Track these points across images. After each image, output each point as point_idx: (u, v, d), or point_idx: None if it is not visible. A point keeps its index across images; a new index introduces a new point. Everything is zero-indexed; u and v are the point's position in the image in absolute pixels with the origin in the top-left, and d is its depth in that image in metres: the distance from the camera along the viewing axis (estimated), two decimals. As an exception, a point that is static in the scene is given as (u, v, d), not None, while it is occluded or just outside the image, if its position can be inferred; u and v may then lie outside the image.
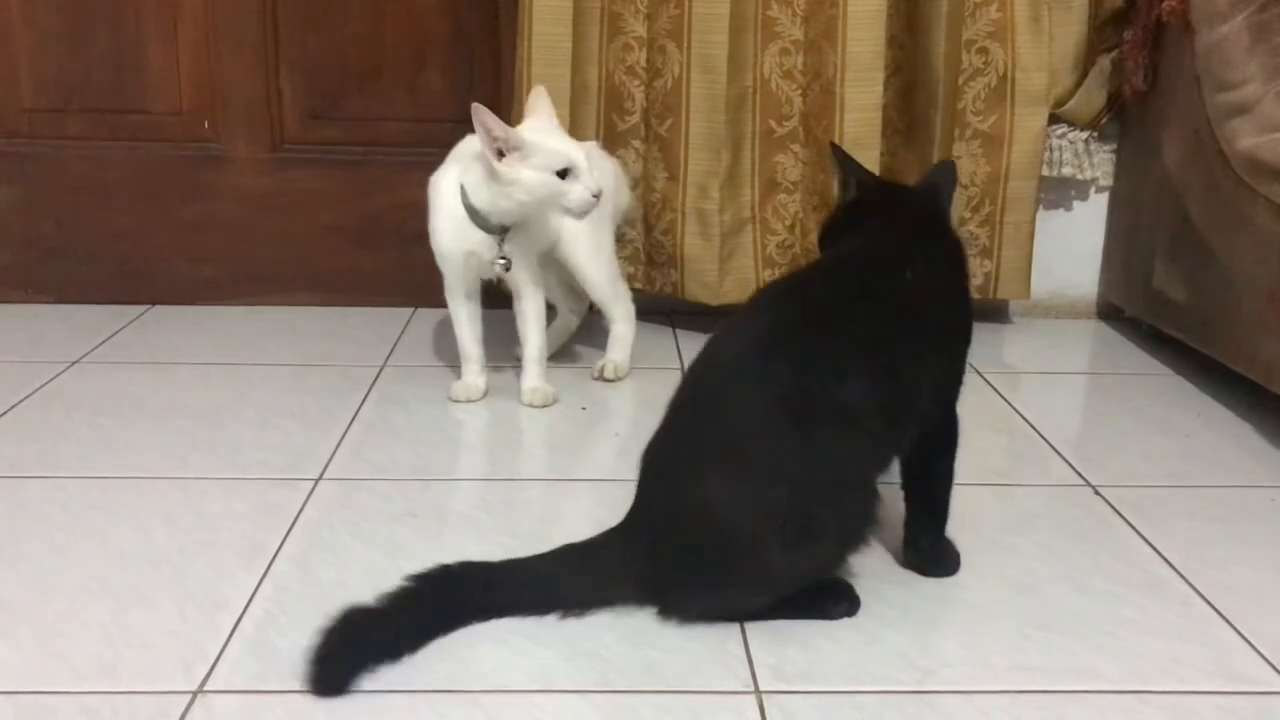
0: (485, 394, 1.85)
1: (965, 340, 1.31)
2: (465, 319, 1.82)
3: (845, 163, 1.37)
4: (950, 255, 1.32)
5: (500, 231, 1.72)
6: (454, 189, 1.72)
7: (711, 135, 2.07)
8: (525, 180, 1.63)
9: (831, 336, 1.17)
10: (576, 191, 1.63)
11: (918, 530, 1.31)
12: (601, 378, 1.94)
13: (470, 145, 1.75)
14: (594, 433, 1.77)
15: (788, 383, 1.14)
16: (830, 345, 1.17)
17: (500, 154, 1.63)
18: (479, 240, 1.73)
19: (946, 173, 1.41)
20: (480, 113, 1.59)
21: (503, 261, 1.73)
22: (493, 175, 1.64)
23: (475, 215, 1.71)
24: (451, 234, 1.74)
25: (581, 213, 1.67)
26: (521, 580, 1.21)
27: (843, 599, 1.23)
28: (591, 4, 2.07)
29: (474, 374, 1.85)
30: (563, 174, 1.63)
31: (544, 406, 1.81)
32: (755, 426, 1.14)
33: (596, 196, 1.64)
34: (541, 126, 1.67)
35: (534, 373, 1.83)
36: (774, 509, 1.13)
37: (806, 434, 1.13)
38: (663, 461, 1.22)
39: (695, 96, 2.06)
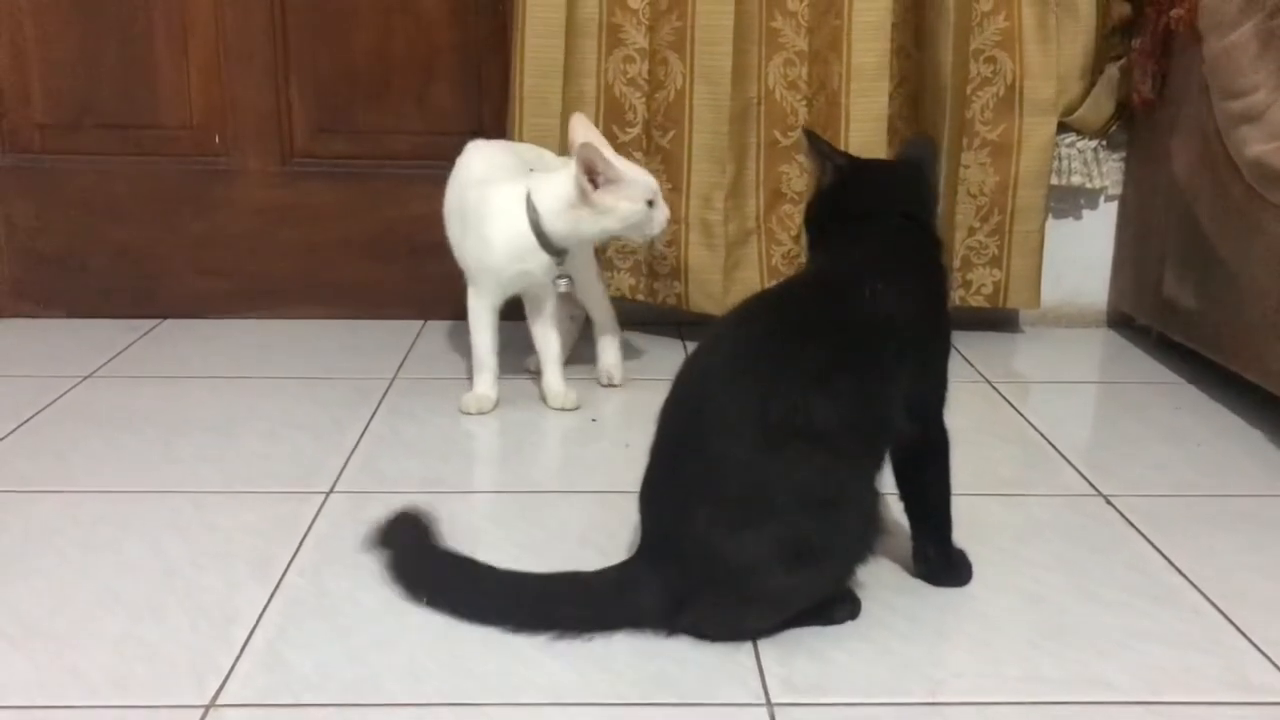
0: (496, 405, 1.85)
1: (941, 350, 1.29)
2: (488, 328, 1.83)
3: (818, 145, 1.35)
4: (920, 264, 1.30)
5: (560, 253, 1.78)
6: (516, 208, 1.75)
7: (715, 146, 2.08)
8: (621, 210, 1.72)
9: (790, 362, 1.17)
10: (659, 218, 1.76)
11: (923, 540, 1.31)
12: (611, 383, 1.97)
13: (488, 162, 1.81)
14: (604, 444, 1.77)
15: (752, 413, 1.14)
16: (789, 370, 1.16)
17: (595, 184, 1.71)
18: (539, 261, 1.77)
19: (925, 148, 1.38)
20: (588, 150, 1.68)
21: (564, 279, 1.81)
22: (583, 203, 1.72)
23: (543, 238, 1.75)
24: (509, 253, 1.77)
25: (660, 235, 1.80)
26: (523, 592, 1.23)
27: (845, 601, 1.24)
28: (588, 16, 2.07)
29: (487, 385, 1.85)
30: (650, 202, 1.74)
31: (574, 409, 1.85)
32: (730, 461, 1.14)
33: (669, 222, 1.79)
34: (614, 156, 1.74)
35: (560, 374, 1.87)
36: (769, 538, 1.13)
37: (780, 461, 1.13)
38: (656, 504, 1.22)
39: (698, 108, 2.06)
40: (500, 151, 1.89)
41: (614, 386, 1.97)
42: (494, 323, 1.84)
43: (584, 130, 1.78)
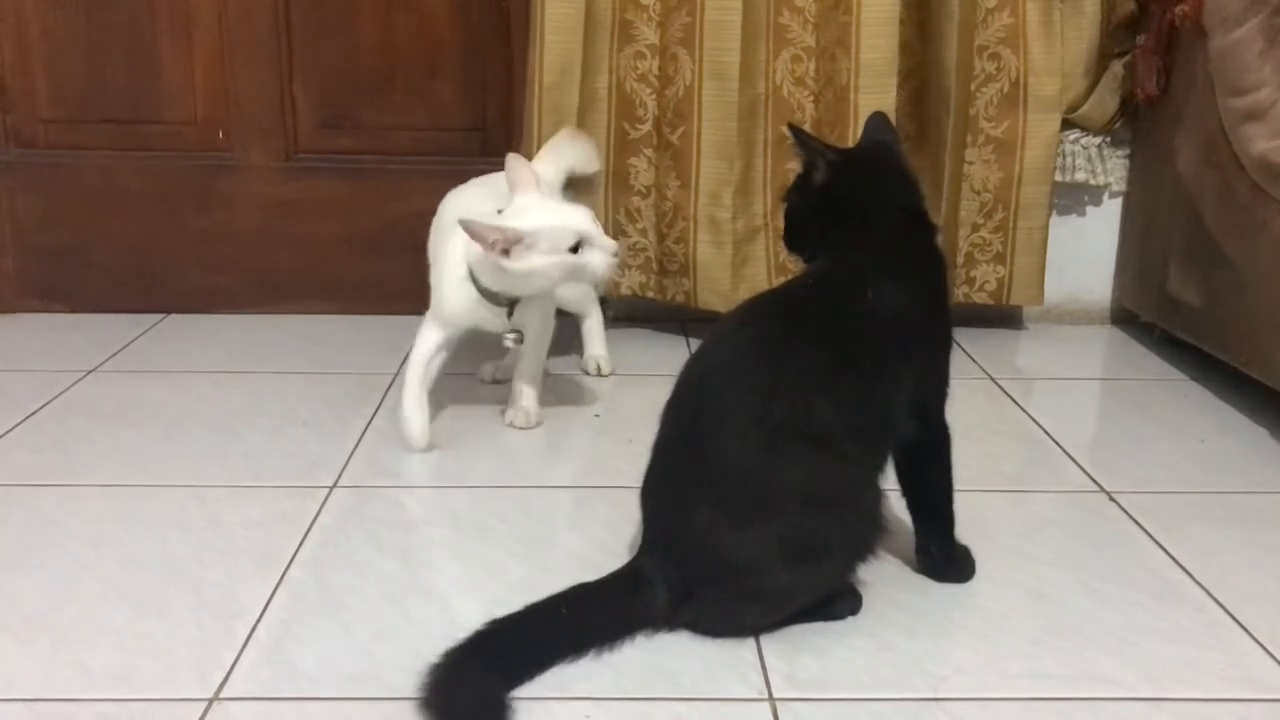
0: (429, 445, 1.69)
1: (943, 347, 1.29)
2: (422, 364, 1.69)
3: (807, 141, 1.33)
4: (921, 260, 1.30)
5: (510, 304, 1.65)
6: (461, 261, 1.63)
7: (724, 143, 2.08)
8: (541, 268, 1.55)
9: (793, 362, 1.17)
10: (597, 259, 1.55)
11: (925, 537, 1.32)
12: (599, 373, 1.97)
13: (464, 201, 1.72)
14: (608, 439, 1.77)
15: (754, 413, 1.14)
16: (791, 371, 1.16)
17: (506, 251, 1.54)
18: (487, 315, 1.66)
19: (886, 129, 1.38)
20: (470, 225, 1.51)
21: (514, 335, 1.68)
22: (503, 269, 1.56)
23: (487, 294, 1.63)
24: (459, 308, 1.66)
25: (607, 278, 1.61)
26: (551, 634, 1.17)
27: (847, 597, 1.24)
28: (603, 12, 2.07)
29: (416, 426, 1.68)
30: (576, 248, 1.55)
31: (525, 428, 1.77)
32: (732, 461, 1.14)
33: (616, 255, 1.57)
34: (532, 202, 1.57)
35: (529, 394, 1.78)
36: (770, 537, 1.14)
37: (781, 461, 1.13)
38: (658, 501, 1.22)
39: (707, 104, 2.06)
40: (472, 197, 1.75)
41: (602, 376, 1.97)
42: (441, 361, 1.70)
43: (514, 174, 1.60)
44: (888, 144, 1.37)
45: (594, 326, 2.01)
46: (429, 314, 1.71)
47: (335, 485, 1.56)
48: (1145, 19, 2.12)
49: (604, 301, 2.23)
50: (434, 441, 1.68)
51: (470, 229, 1.52)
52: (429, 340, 1.70)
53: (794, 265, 2.16)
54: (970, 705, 1.10)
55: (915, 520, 1.31)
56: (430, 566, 1.35)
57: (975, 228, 2.19)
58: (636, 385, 1.97)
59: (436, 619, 1.22)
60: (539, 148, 2.04)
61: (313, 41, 2.27)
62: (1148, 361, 2.15)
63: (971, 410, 1.86)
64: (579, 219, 1.56)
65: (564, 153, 1.95)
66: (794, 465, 1.14)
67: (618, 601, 1.19)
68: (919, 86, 2.15)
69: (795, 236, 1.37)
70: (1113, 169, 2.27)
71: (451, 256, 1.65)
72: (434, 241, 1.75)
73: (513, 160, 1.61)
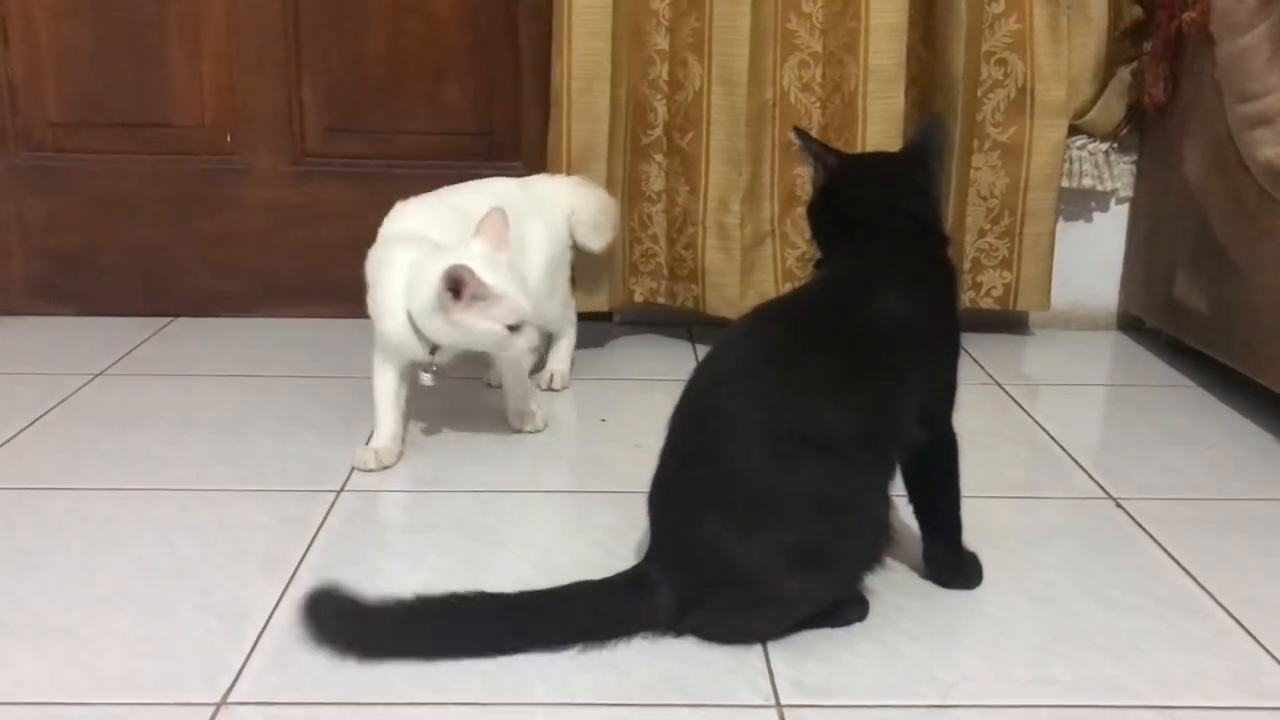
0: (399, 458, 1.67)
1: (950, 354, 1.29)
2: (388, 389, 1.68)
3: (809, 144, 1.34)
4: (928, 268, 1.30)
5: (433, 349, 1.62)
6: (402, 292, 1.60)
7: (732, 148, 2.08)
8: (482, 331, 1.54)
9: (800, 370, 1.17)
10: (519, 345, 1.57)
11: (932, 543, 1.31)
12: (550, 386, 1.96)
13: (402, 225, 1.71)
14: (614, 444, 1.77)
15: (762, 421, 1.14)
16: (799, 379, 1.16)
17: (456, 295, 1.52)
18: (416, 349, 1.63)
19: (932, 133, 1.37)
20: (459, 270, 1.49)
21: (433, 370, 1.64)
22: (444, 310, 1.54)
23: (417, 330, 1.61)
24: (402, 340, 1.62)
25: (516, 360, 1.65)
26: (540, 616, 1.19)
27: (854, 603, 1.24)
28: (620, 18, 2.05)
29: (385, 437, 1.67)
30: (514, 326, 1.55)
31: (535, 431, 1.78)
32: (739, 468, 1.15)
33: (535, 350, 1.62)
34: (499, 263, 1.56)
35: (522, 397, 1.78)
36: (776, 544, 1.14)
37: (788, 468, 1.13)
38: (665, 508, 1.23)
39: (716, 109, 2.06)
40: (420, 213, 1.74)
41: (554, 390, 1.95)
42: (399, 386, 1.68)
43: (487, 225, 1.58)
44: (915, 149, 1.36)
45: (564, 345, 1.99)
46: (376, 346, 1.68)
47: (342, 489, 1.56)
48: (1152, 25, 2.12)
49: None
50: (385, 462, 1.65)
51: (457, 273, 1.49)
52: (387, 378, 1.68)
53: (801, 272, 2.17)
54: (978, 712, 1.10)
55: (922, 527, 1.31)
56: (437, 570, 1.35)
57: (982, 233, 2.19)
58: (643, 390, 1.98)
59: (443, 623, 1.23)
60: (567, 156, 2.04)
61: (320, 46, 2.27)
62: (1154, 368, 2.15)
63: (978, 416, 1.86)
64: (525, 304, 1.56)
65: (587, 203, 1.94)
66: (801, 472, 1.14)
67: (618, 600, 1.19)
68: (926, 92, 2.15)
69: (817, 238, 1.37)
70: (1119, 175, 2.27)
71: (396, 283, 1.61)
72: (375, 259, 1.68)
73: (497, 216, 1.58)
